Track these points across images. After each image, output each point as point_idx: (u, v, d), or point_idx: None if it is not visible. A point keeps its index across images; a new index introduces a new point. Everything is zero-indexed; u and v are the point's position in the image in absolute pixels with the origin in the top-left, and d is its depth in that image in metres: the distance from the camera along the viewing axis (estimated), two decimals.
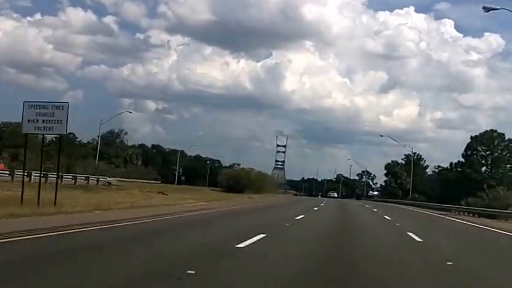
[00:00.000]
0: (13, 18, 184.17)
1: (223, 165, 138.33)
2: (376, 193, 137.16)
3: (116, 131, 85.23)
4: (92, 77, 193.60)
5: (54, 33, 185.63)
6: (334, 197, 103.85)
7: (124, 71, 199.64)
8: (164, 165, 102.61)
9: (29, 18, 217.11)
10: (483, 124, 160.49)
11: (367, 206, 50.33)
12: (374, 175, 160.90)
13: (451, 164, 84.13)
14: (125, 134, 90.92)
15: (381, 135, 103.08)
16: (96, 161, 63.40)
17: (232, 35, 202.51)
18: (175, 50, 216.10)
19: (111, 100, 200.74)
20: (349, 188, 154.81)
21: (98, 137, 71.22)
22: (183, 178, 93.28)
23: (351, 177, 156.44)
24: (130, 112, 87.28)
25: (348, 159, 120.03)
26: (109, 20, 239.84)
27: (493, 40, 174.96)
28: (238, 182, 68.00)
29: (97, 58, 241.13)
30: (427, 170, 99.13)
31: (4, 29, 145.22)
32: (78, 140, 77.42)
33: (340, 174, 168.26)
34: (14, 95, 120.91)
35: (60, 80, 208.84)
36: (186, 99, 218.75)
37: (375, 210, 38.58)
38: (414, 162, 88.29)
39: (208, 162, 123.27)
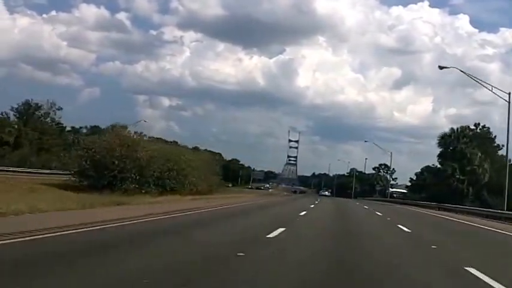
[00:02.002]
0: (28, 15, 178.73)
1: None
2: (400, 191, 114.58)
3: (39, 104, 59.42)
4: (107, 73, 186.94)
5: (68, 29, 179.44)
6: (326, 195, 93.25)
7: (138, 67, 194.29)
8: None
9: (44, 15, 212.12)
10: (498, 120, 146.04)
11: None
12: (393, 169, 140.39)
13: None
14: (57, 109, 62.82)
15: (365, 141, 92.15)
16: None
17: (244, 31, 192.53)
18: (189, 46, 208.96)
19: (126, 96, 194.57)
20: (365, 183, 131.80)
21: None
22: None
23: (366, 172, 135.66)
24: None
25: (366, 141, 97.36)
26: (122, 16, 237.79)
27: (509, 35, 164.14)
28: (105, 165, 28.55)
29: (111, 54, 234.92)
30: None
31: (20, 26, 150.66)
32: None
33: (353, 169, 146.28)
34: (32, 91, 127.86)
35: (75, 77, 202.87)
36: (200, 96, 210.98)
37: None
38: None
39: None
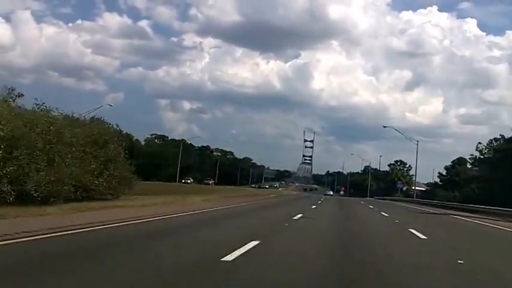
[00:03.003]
0: (54, 24, 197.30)
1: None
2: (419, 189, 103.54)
3: None
4: (130, 79, 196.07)
5: (93, 37, 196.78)
6: (330, 195, 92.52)
7: (159, 72, 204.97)
8: None
9: (70, 24, 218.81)
10: (507, 119, 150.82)
11: None
12: (409, 166, 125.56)
13: None
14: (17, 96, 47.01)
15: (384, 126, 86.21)
16: None
17: (261, 36, 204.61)
18: (208, 52, 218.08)
19: (149, 101, 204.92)
20: (381, 180, 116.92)
21: None
22: None
23: (381, 169, 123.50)
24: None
25: (384, 127, 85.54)
26: (143, 23, 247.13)
27: None
28: None
29: (133, 61, 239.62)
30: None
31: (47, 35, 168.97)
32: None
33: (368, 166, 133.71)
34: (59, 97, 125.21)
35: (100, 83, 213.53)
36: (219, 99, 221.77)
37: None
38: None
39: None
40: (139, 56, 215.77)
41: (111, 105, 67.27)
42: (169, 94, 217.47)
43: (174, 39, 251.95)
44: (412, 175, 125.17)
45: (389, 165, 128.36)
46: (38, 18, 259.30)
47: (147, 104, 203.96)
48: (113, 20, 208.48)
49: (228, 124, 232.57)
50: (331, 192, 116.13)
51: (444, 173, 78.07)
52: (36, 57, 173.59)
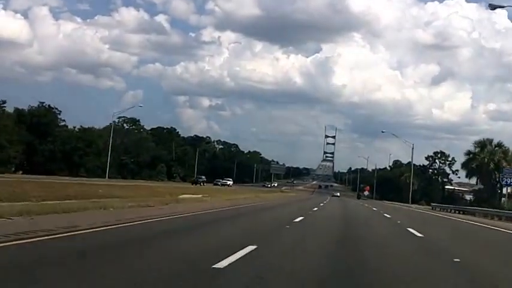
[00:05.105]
0: (72, 21, 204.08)
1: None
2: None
3: None
4: (148, 75, 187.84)
5: (110, 33, 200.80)
6: (337, 196, 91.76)
7: (178, 69, 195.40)
8: None
9: (88, 20, 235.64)
10: None
11: None
12: (453, 159, 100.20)
13: None
14: None
15: (382, 131, 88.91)
16: None
17: (280, 30, 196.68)
18: (227, 47, 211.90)
19: (167, 97, 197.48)
20: (419, 177, 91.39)
21: None
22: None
23: (416, 163, 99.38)
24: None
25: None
26: (161, 18, 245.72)
27: None
28: None
29: (151, 57, 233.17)
30: None
31: (64, 31, 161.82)
32: None
33: (397, 160, 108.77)
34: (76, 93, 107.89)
35: (117, 80, 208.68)
36: (238, 95, 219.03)
37: None
38: None
39: None
40: (158, 51, 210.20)
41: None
42: (188, 91, 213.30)
43: (192, 34, 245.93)
44: (456, 170, 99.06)
45: (427, 158, 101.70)
46: (56, 14, 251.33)
47: (166, 100, 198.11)
48: (129, 14, 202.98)
49: (248, 121, 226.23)
50: (338, 194, 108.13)
51: None
52: (54, 54, 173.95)
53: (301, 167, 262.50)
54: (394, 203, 72.54)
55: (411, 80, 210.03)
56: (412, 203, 69.53)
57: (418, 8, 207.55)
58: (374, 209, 38.62)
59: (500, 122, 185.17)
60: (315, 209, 28.32)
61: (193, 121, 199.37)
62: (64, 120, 71.90)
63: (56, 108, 70.94)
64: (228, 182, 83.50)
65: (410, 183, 70.23)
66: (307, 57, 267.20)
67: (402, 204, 66.88)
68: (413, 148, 68.72)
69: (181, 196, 24.84)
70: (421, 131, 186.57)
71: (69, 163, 59.43)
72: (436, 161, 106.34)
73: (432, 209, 51.19)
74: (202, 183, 71.22)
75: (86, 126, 70.73)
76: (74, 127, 70.46)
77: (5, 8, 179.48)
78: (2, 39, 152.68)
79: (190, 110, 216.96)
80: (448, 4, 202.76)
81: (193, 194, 28.10)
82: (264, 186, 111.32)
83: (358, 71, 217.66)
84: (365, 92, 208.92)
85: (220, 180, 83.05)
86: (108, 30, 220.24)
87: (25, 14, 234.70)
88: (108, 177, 55.15)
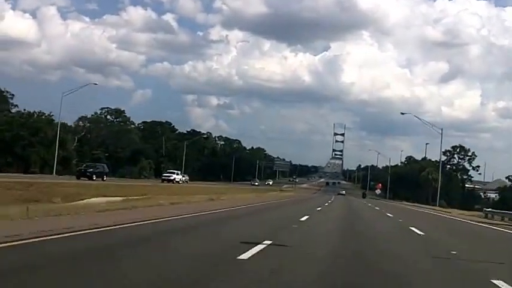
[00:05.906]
0: (80, 20, 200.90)
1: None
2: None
3: None
4: (156, 74, 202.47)
5: (118, 32, 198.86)
6: (342, 194, 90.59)
7: (186, 67, 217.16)
8: None
9: (96, 19, 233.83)
10: None
11: None
12: (473, 154, 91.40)
13: None
14: None
15: (402, 113, 77.90)
16: None
17: (288, 28, 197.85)
18: (235, 46, 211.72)
19: (175, 96, 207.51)
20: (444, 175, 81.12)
21: None
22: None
23: (432, 159, 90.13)
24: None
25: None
26: (168, 17, 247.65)
27: None
28: None
29: (159, 56, 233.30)
30: None
31: (72, 31, 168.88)
32: None
33: (410, 156, 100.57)
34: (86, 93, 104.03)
35: (125, 79, 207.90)
36: (246, 94, 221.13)
37: None
38: None
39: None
40: (165, 50, 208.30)
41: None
42: (196, 90, 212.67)
43: (200, 32, 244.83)
44: (477, 167, 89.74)
45: (445, 153, 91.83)
46: (64, 14, 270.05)
47: (174, 99, 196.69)
48: (137, 13, 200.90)
49: (257, 119, 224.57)
50: (344, 192, 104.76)
51: None
52: (61, 53, 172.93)
53: (309, 165, 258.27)
54: (416, 204, 63.14)
55: (420, 78, 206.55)
56: (432, 203, 60.04)
57: (427, 5, 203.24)
58: (395, 218, 26.59)
59: (510, 120, 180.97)
60: (291, 227, 16.74)
61: (202, 120, 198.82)
62: (17, 106, 63.00)
63: (8, 92, 62.32)
64: (173, 176, 61.34)
65: (436, 180, 60.44)
66: (315, 55, 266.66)
67: (425, 206, 57.55)
68: (442, 133, 59.97)
69: (79, 202, 15.43)
70: (431, 130, 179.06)
71: (13, 155, 49.61)
72: (455, 156, 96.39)
73: (485, 216, 35.06)
74: (93, 176, 42.25)
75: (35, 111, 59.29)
76: (24, 110, 60.30)
77: (13, 8, 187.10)
78: (11, 38, 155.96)
79: (199, 108, 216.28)
80: (457, 1, 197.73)
81: (112, 196, 18.69)
82: (252, 184, 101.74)
83: (366, 69, 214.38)
84: (374, 90, 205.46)
85: (166, 174, 64.26)
86: (116, 30, 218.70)
87: (33, 14, 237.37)
88: (57, 174, 45.35)
